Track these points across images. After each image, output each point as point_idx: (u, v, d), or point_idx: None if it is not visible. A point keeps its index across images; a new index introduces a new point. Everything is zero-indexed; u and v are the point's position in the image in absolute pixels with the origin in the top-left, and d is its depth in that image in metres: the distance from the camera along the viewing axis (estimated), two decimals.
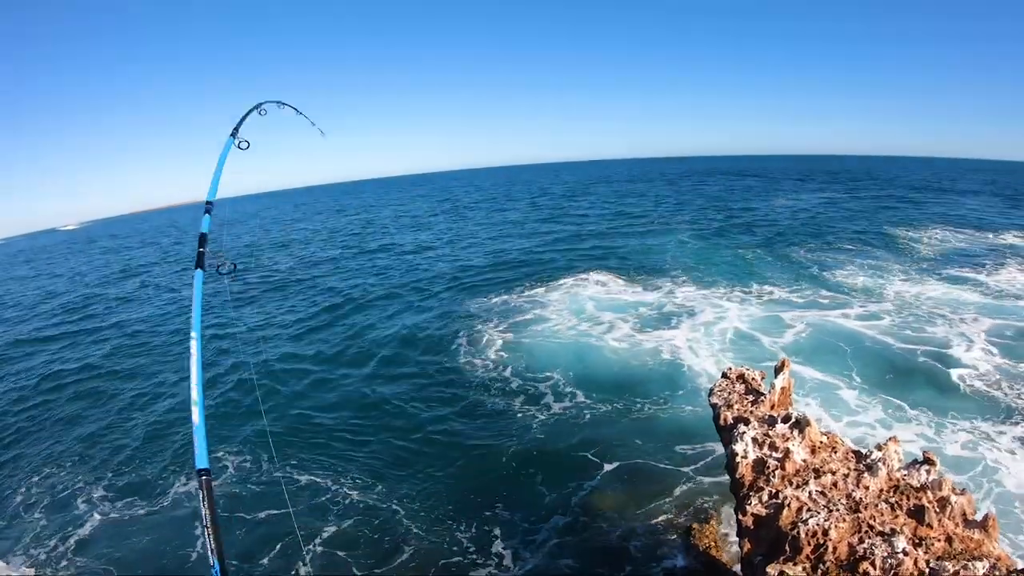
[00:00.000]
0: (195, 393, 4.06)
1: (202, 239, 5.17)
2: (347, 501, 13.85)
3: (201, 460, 3.76)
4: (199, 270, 4.85)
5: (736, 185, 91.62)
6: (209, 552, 3.46)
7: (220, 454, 16.03)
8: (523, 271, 35.40)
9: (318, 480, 14.74)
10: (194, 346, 4.30)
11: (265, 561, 11.97)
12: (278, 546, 12.28)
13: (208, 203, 5.51)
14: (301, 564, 11.63)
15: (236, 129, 6.81)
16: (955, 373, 17.75)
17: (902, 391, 16.84)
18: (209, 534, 3.48)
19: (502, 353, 21.59)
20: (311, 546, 12.31)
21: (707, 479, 13.18)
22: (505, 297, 29.45)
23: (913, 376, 17.85)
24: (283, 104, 8.36)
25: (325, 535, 12.68)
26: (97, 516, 14.12)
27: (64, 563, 12.49)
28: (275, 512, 13.43)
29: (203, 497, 3.61)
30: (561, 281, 31.42)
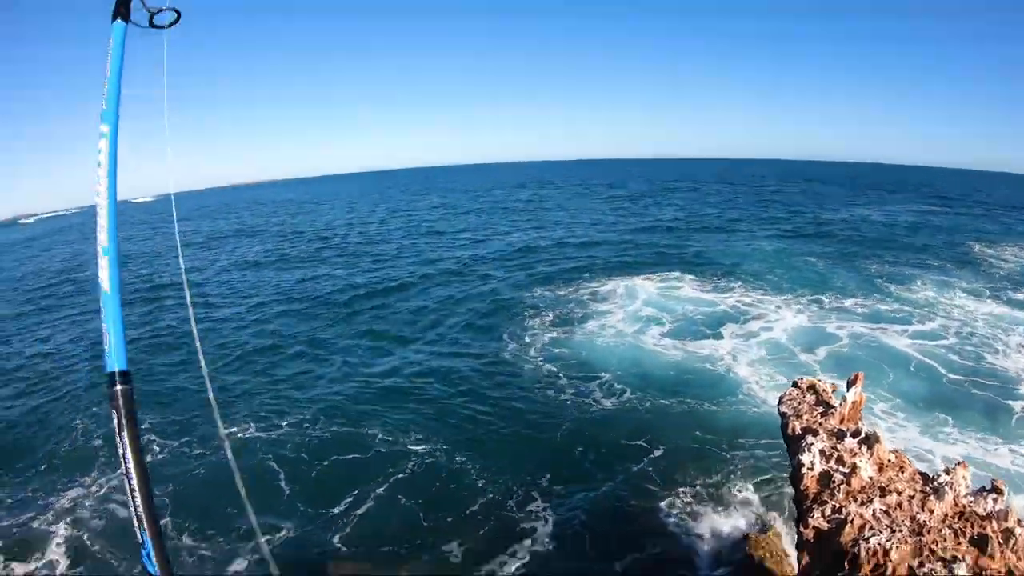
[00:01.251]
0: (104, 235, 2.66)
1: None
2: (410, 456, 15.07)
3: (116, 359, 2.51)
4: (119, 21, 3.12)
5: (818, 191, 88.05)
6: (133, 515, 2.31)
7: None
8: (596, 262, 36.16)
9: (391, 437, 16.09)
10: (104, 145, 2.81)
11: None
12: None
13: None
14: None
15: None
16: (1015, 403, 17.06)
17: (948, 411, 16.49)
18: (132, 485, 2.33)
19: (560, 347, 22.21)
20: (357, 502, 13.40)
21: (763, 487, 13.34)
22: (573, 287, 30.32)
23: (960, 399, 17.41)
24: None
25: (394, 480, 13.97)
26: None
27: None
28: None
29: (120, 420, 2.42)
30: (629, 278, 31.82)
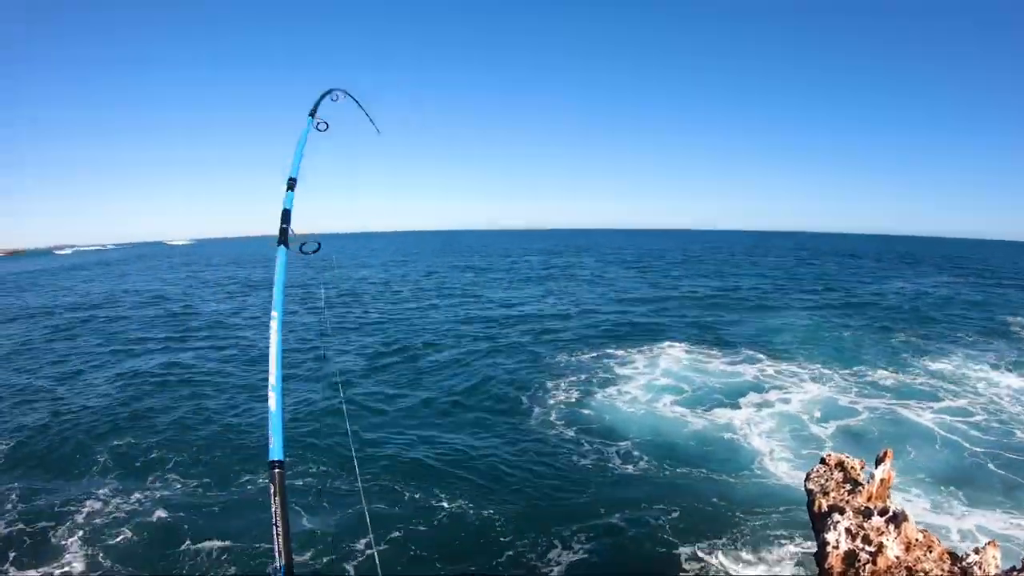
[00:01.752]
0: (273, 377, 3.87)
1: (285, 215, 4.97)
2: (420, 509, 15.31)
3: (275, 451, 3.55)
4: (282, 246, 4.62)
5: (849, 264, 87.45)
6: (276, 551, 3.29)
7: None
8: (621, 332, 36.29)
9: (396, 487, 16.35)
10: (274, 326, 4.09)
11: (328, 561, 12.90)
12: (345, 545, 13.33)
13: (291, 179, 5.30)
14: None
15: (314, 110, 6.52)
16: None
17: (964, 486, 15.84)
18: (278, 532, 3.30)
19: (583, 410, 22.45)
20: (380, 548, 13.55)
21: (783, 561, 12.90)
22: (597, 353, 30.73)
23: (980, 474, 16.75)
24: (347, 94, 7.68)
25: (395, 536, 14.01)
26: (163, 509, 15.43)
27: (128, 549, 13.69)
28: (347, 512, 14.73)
29: (274, 491, 3.43)
30: (653, 346, 31.94)
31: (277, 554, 3.24)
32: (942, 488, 15.92)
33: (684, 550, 13.38)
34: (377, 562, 12.53)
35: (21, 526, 14.47)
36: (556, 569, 12.91)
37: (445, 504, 15.66)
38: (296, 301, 45.44)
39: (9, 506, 15.53)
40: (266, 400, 3.82)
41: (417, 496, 16.08)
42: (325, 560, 12.94)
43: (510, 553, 13.61)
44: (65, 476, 17.35)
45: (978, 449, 18.33)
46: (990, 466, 17.29)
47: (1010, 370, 26.48)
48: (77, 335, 37.99)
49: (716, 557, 13.18)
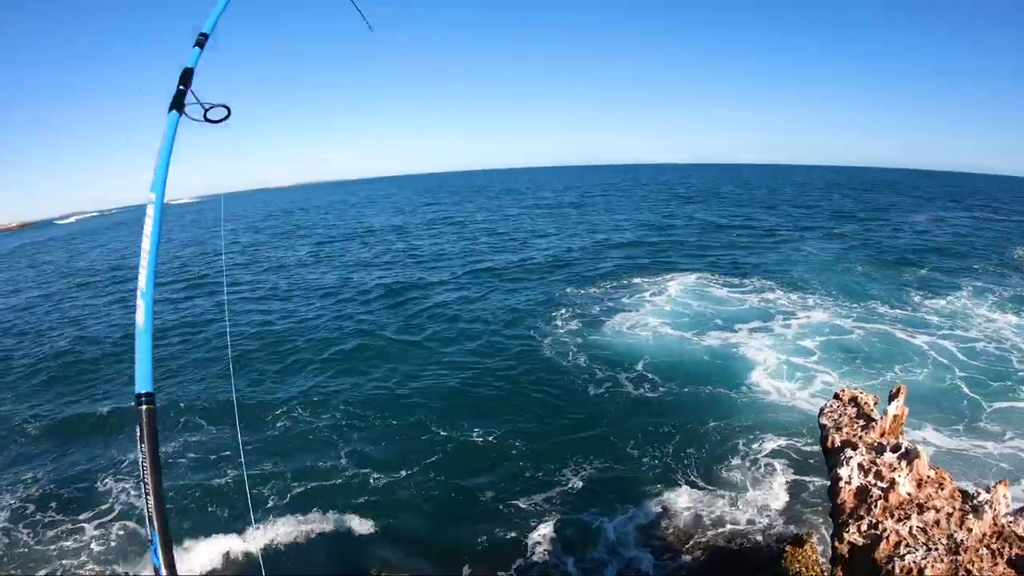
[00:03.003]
0: (143, 280, 3.05)
1: (186, 75, 3.84)
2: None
3: (143, 381, 2.84)
4: (174, 112, 3.64)
5: (867, 199, 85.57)
6: (146, 515, 2.52)
7: None
8: (638, 262, 37.08)
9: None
10: (150, 212, 3.26)
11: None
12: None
13: (202, 34, 4.12)
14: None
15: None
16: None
17: (933, 408, 16.78)
18: (147, 490, 2.55)
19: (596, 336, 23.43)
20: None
21: (794, 488, 13.41)
22: (617, 283, 31.73)
23: (951, 399, 17.56)
24: None
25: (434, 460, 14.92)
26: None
27: None
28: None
29: (141, 434, 2.68)
30: (669, 276, 32.66)
31: (148, 524, 2.52)
32: (914, 404, 16.57)
33: (683, 474, 14.29)
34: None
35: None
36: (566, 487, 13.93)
37: (475, 433, 16.65)
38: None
39: None
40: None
41: (449, 425, 17.04)
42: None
43: (522, 469, 14.84)
44: None
45: (961, 374, 19.02)
46: (964, 388, 18.10)
47: (1012, 306, 26.55)
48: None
49: (715, 480, 13.99)
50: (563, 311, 26.88)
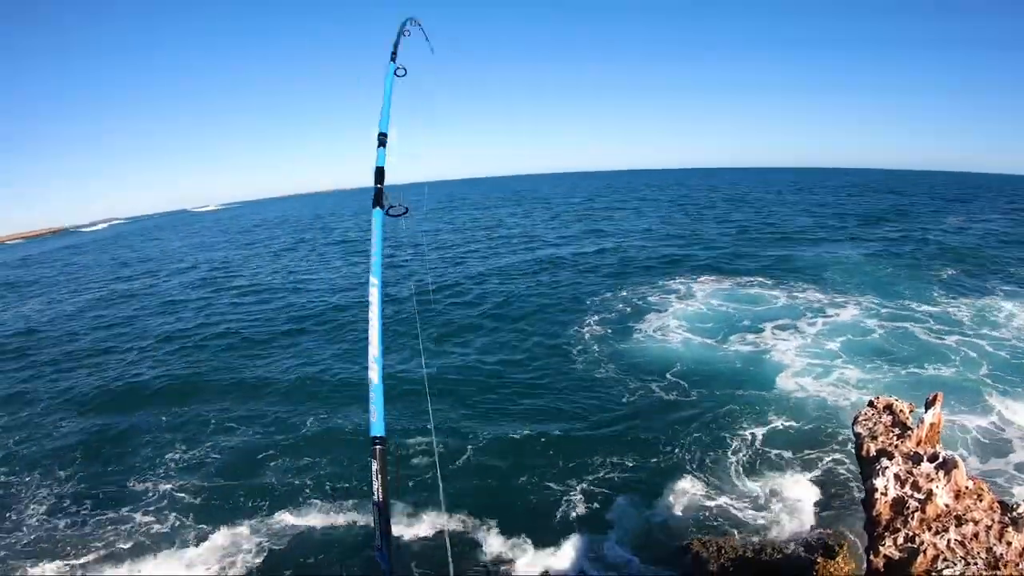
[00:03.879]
0: (374, 348, 3.69)
1: (379, 174, 4.67)
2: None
3: (377, 427, 3.45)
4: (377, 208, 4.40)
5: (899, 202, 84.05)
6: (376, 532, 3.23)
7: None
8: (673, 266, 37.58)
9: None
10: (374, 294, 3.92)
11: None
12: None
13: (381, 134, 4.91)
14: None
15: (394, 53, 5.98)
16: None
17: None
18: (380, 511, 3.25)
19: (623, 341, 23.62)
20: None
21: (829, 505, 13.12)
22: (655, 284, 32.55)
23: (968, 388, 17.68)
24: (416, 24, 7.00)
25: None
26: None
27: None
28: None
29: (376, 470, 3.34)
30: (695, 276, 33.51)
31: (379, 535, 3.21)
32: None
33: (711, 479, 14.33)
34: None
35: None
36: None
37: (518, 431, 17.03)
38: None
39: None
40: (366, 372, 3.67)
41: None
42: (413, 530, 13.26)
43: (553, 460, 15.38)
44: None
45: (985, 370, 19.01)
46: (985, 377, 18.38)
47: None
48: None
49: (743, 486, 13.94)
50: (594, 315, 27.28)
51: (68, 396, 21.73)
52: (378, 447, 3.40)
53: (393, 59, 5.89)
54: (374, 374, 3.60)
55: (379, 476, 3.33)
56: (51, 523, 14.00)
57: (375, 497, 3.30)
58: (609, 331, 24.79)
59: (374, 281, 3.98)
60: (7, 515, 14.50)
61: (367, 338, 3.71)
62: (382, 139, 4.89)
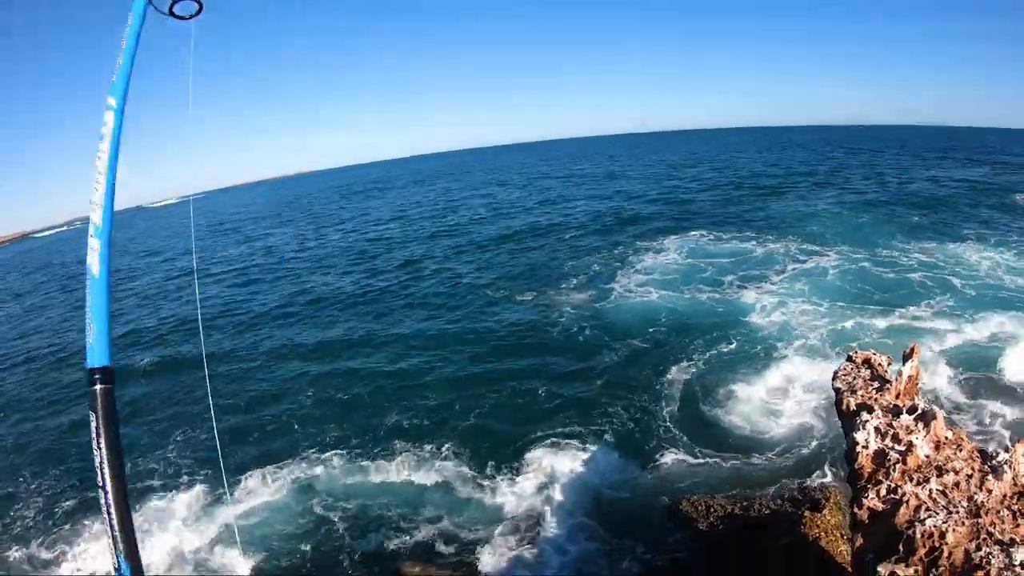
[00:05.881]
0: (97, 213, 2.48)
1: None
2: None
3: (97, 352, 2.30)
4: None
5: (872, 160, 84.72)
6: (109, 536, 2.10)
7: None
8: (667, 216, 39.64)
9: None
10: (110, 119, 2.72)
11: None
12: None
13: None
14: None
15: None
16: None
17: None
18: (108, 501, 2.12)
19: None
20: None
21: (813, 458, 13.40)
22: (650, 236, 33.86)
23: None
24: None
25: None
26: None
27: None
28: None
29: (96, 424, 2.20)
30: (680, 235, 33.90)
31: (112, 545, 2.11)
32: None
33: (691, 435, 14.61)
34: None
35: None
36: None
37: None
38: None
39: None
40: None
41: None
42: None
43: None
44: None
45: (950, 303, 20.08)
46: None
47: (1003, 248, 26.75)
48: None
49: (724, 440, 14.28)
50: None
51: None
52: (99, 386, 2.24)
53: None
54: (95, 258, 2.40)
55: (104, 437, 2.17)
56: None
57: (99, 479, 2.15)
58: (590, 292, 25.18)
59: (112, 101, 2.76)
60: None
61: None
62: None
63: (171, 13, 3.24)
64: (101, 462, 2.13)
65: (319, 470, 14.11)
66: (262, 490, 13.67)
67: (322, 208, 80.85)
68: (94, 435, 2.16)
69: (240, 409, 17.54)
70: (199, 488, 13.93)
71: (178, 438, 16.26)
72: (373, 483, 13.66)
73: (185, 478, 14.36)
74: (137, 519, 11.89)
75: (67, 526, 13.37)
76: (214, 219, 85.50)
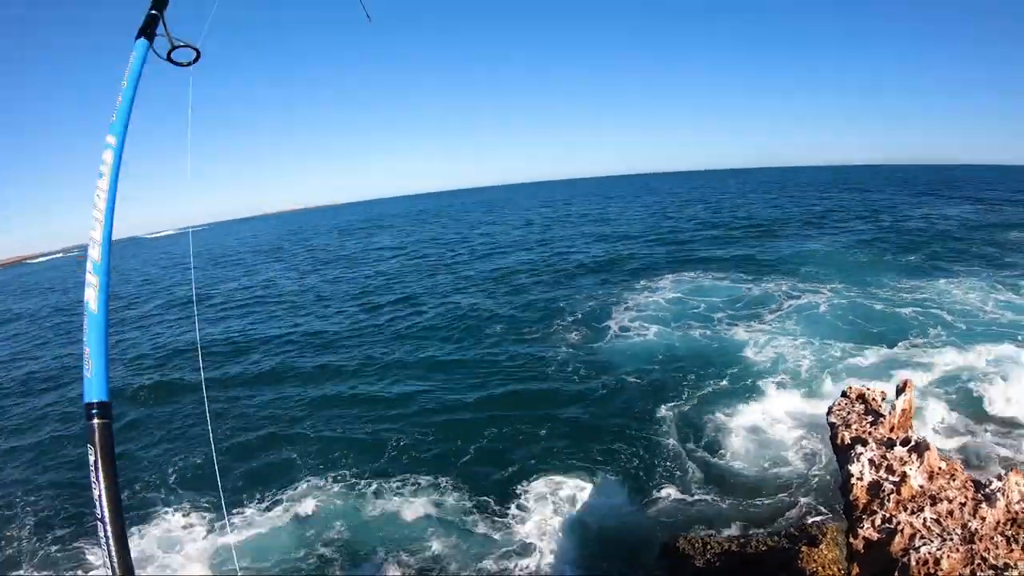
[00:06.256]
0: (96, 250, 2.53)
1: None
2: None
3: (95, 387, 2.34)
4: (143, 39, 3.16)
5: (866, 198, 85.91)
6: (107, 564, 2.12)
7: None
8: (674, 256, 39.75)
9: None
10: (109, 157, 2.78)
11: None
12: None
13: None
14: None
15: None
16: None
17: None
18: (107, 532, 2.15)
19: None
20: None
21: (808, 492, 13.38)
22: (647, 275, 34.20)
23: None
24: None
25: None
26: None
27: None
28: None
29: (95, 458, 2.22)
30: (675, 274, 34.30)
31: (106, 553, 2.14)
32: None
33: (687, 470, 14.55)
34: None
35: None
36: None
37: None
38: None
39: None
40: None
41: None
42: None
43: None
44: None
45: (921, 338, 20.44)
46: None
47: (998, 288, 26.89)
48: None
49: (721, 476, 14.20)
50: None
51: None
52: (96, 421, 2.28)
53: None
54: (92, 294, 2.46)
55: (102, 471, 2.21)
56: None
57: (97, 506, 2.18)
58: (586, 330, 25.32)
59: (111, 141, 2.82)
60: None
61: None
62: None
63: (169, 59, 3.34)
64: (99, 495, 2.18)
65: (316, 499, 14.00)
66: (261, 518, 13.50)
67: (322, 242, 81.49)
68: (92, 468, 2.20)
69: (238, 435, 17.48)
70: (196, 515, 13.77)
71: (177, 464, 16.13)
72: (370, 513, 13.52)
73: (184, 504, 14.19)
74: (135, 547, 11.98)
75: (62, 555, 13.24)
76: (215, 250, 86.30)
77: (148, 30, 3.20)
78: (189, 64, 3.41)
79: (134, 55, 3.08)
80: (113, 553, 2.11)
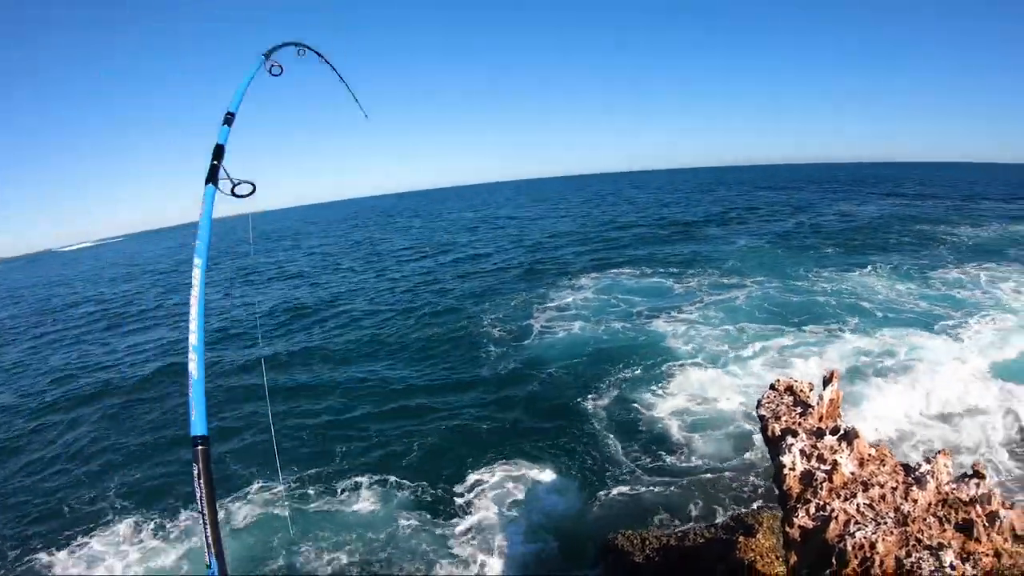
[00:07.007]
0: (194, 337, 3.37)
1: (217, 151, 4.35)
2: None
3: (198, 425, 3.15)
4: (210, 185, 4.08)
5: (793, 198, 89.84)
6: (204, 543, 2.88)
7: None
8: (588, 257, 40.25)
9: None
10: (196, 276, 3.59)
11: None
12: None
13: (229, 113, 4.75)
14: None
15: (271, 52, 5.75)
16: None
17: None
18: (205, 521, 2.92)
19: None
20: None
21: (741, 480, 13.68)
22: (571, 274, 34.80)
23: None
24: (323, 60, 7.09)
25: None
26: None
27: None
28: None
29: (198, 472, 3.00)
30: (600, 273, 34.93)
31: (206, 548, 2.86)
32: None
33: (621, 466, 14.66)
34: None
35: None
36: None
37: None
38: None
39: None
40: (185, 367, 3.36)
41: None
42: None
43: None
44: None
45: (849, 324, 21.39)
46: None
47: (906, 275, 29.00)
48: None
49: (655, 470, 14.38)
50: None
51: None
52: (200, 448, 3.10)
53: (267, 57, 5.69)
54: (193, 366, 3.29)
55: (202, 481, 3.01)
56: None
57: (199, 506, 2.96)
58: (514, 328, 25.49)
59: (197, 262, 3.62)
60: None
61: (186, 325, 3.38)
62: (229, 119, 4.72)
63: (233, 194, 4.22)
64: (201, 496, 2.96)
65: (255, 505, 13.78)
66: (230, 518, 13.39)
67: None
68: (196, 478, 2.99)
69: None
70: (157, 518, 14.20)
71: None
72: (313, 514, 13.40)
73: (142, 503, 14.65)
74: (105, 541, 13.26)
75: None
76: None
77: (212, 177, 4.12)
78: (248, 195, 4.29)
79: (204, 199, 3.99)
80: (209, 537, 2.89)
